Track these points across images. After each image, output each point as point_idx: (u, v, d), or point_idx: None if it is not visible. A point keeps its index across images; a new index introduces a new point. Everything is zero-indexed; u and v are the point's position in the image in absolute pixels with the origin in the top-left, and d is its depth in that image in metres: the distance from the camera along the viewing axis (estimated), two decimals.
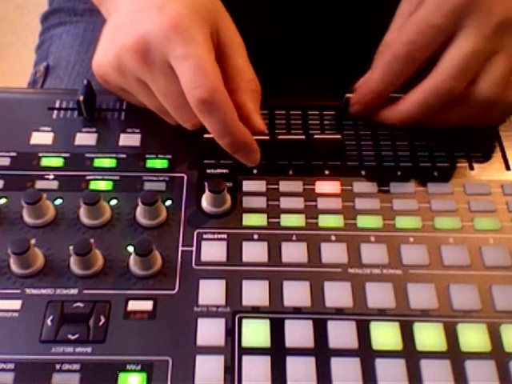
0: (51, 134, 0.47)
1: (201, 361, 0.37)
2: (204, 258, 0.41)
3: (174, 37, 0.40)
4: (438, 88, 0.43)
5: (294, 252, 0.41)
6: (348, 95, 0.48)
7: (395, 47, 0.44)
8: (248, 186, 0.45)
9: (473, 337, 0.38)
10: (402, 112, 0.46)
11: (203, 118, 0.41)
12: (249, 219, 0.43)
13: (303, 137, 0.46)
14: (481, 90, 0.44)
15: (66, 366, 0.36)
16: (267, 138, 0.44)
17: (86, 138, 0.47)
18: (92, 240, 0.40)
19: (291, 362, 0.37)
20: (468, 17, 0.43)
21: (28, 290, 0.39)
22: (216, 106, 0.40)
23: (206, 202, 0.43)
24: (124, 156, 0.46)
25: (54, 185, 0.45)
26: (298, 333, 0.38)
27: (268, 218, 0.43)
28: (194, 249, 0.42)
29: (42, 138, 0.47)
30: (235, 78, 0.44)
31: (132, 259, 0.40)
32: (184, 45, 0.40)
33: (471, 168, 0.46)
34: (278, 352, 0.37)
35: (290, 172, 0.46)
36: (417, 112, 0.45)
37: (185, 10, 0.41)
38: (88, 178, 0.45)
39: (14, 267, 0.40)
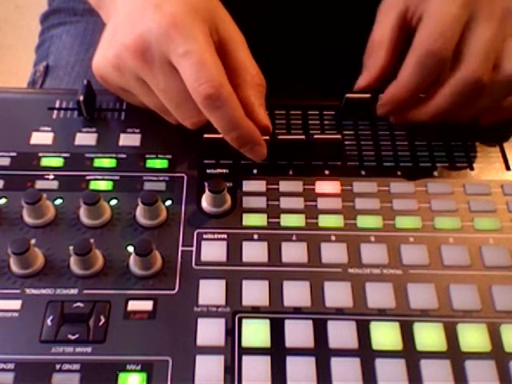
0: (51, 134, 0.47)
1: (201, 361, 0.37)
2: (204, 257, 0.41)
3: (174, 35, 0.40)
4: (467, 78, 0.43)
5: (293, 252, 0.41)
6: (348, 95, 0.48)
7: (425, 43, 0.44)
8: (248, 185, 0.45)
9: (473, 337, 0.38)
10: (434, 107, 0.45)
11: (209, 114, 0.41)
12: (249, 219, 0.43)
13: (303, 137, 0.46)
14: (505, 71, 0.44)
15: (66, 366, 0.36)
16: (267, 137, 0.44)
17: (86, 138, 0.47)
18: (92, 240, 0.40)
19: (291, 362, 0.37)
20: (478, 5, 0.44)
21: (28, 290, 0.39)
22: (222, 102, 0.40)
23: (206, 202, 0.43)
24: (124, 156, 0.46)
25: (54, 185, 0.45)
26: (298, 333, 0.38)
27: (268, 218, 0.43)
28: (194, 249, 0.42)
29: (41, 137, 0.47)
30: (239, 73, 0.44)
31: (132, 259, 0.40)
32: (184, 42, 0.40)
33: (471, 168, 0.46)
34: (277, 352, 0.37)
35: (290, 172, 0.46)
36: (448, 105, 0.44)
37: (182, 8, 0.41)
38: (88, 178, 0.45)
39: (14, 267, 0.40)
